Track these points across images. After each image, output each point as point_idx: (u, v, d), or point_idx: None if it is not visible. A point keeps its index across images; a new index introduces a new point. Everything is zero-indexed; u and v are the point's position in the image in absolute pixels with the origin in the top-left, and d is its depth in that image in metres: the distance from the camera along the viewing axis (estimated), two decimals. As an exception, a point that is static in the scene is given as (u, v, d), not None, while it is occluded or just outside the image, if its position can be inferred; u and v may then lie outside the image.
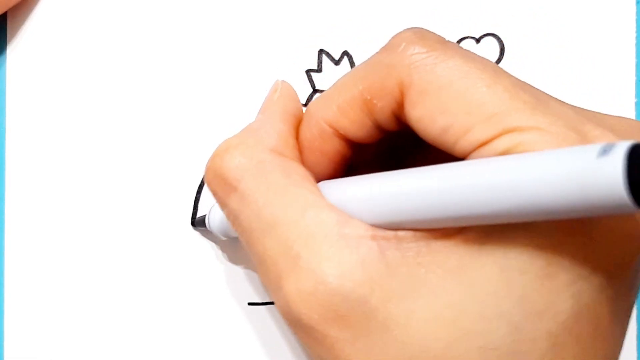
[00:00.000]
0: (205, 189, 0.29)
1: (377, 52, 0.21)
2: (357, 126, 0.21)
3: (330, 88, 0.22)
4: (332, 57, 0.29)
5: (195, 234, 0.29)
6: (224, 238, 0.27)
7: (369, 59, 0.21)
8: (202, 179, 0.29)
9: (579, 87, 0.29)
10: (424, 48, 0.19)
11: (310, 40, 0.30)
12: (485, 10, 0.29)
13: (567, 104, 0.19)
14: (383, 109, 0.20)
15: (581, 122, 0.18)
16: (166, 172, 0.29)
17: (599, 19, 0.29)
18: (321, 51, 0.30)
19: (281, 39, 0.30)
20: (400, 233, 0.19)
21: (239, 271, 0.29)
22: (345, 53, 0.30)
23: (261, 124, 0.22)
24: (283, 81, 0.24)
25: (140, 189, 0.29)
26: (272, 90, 0.24)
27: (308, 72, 0.29)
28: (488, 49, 0.29)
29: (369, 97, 0.20)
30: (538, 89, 0.19)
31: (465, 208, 0.17)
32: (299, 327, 0.19)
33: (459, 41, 0.29)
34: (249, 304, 0.29)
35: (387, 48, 0.20)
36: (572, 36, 0.29)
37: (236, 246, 0.29)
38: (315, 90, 0.29)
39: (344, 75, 0.22)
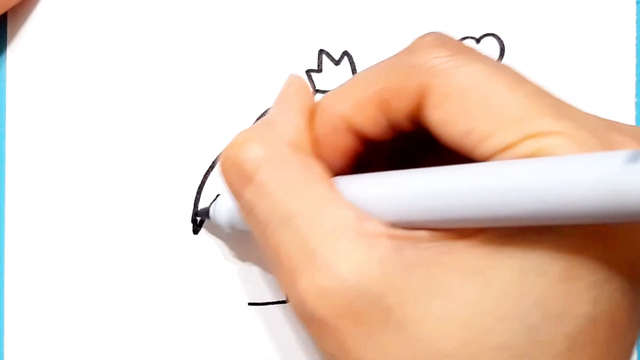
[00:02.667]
0: (206, 188, 0.29)
1: (397, 53, 0.21)
2: (371, 124, 0.21)
3: (345, 84, 0.22)
4: (332, 57, 0.29)
5: (194, 235, 0.29)
6: (228, 230, 0.27)
7: (388, 59, 0.21)
8: (202, 179, 0.29)
9: (579, 87, 0.29)
10: (446, 52, 0.19)
11: (310, 40, 0.30)
12: (485, 10, 0.29)
13: (589, 113, 0.19)
14: (400, 110, 0.20)
15: (605, 129, 0.18)
16: (166, 172, 0.29)
17: (599, 19, 0.29)
18: (321, 51, 0.30)
19: (281, 39, 0.30)
20: (418, 233, 0.19)
21: (239, 271, 0.29)
22: (345, 53, 0.30)
23: (278, 117, 0.22)
24: (297, 75, 0.24)
25: (141, 189, 0.29)
26: (286, 84, 0.24)
27: (308, 72, 0.29)
28: (488, 49, 0.29)
29: (386, 97, 0.20)
30: (558, 98, 0.19)
31: (488, 210, 0.17)
32: (312, 323, 0.19)
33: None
34: (249, 304, 0.29)
35: (409, 50, 0.20)
36: (572, 36, 0.29)
37: (237, 243, 0.29)
38: (315, 91, 0.29)
39: (361, 72, 0.22)
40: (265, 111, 0.29)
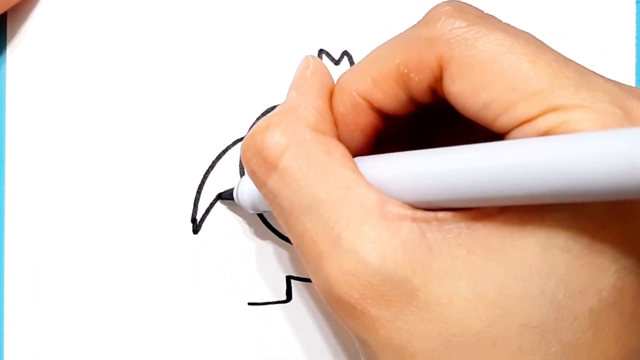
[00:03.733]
0: (206, 188, 0.29)
1: (414, 26, 0.21)
2: (391, 99, 0.21)
3: (363, 60, 0.22)
4: (332, 57, 0.30)
5: (194, 235, 0.29)
6: (251, 212, 0.27)
7: (405, 32, 0.21)
8: (202, 179, 0.29)
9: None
10: (464, 22, 0.19)
11: (310, 40, 0.30)
12: (484, 10, 0.29)
13: (609, 79, 0.19)
14: (420, 83, 0.20)
15: (625, 98, 0.18)
16: (166, 172, 0.29)
17: (599, 19, 0.29)
18: (321, 51, 0.30)
19: (281, 39, 0.30)
20: (440, 214, 0.19)
21: (239, 271, 0.29)
22: (345, 53, 0.30)
23: (299, 101, 0.22)
24: (313, 56, 0.24)
25: (141, 189, 0.29)
26: (303, 66, 0.24)
27: (308, 72, 0.29)
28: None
29: (405, 71, 0.20)
30: (580, 64, 0.19)
31: (510, 188, 0.17)
32: (339, 306, 0.20)
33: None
34: (249, 304, 0.29)
35: (426, 22, 0.20)
36: (572, 36, 0.29)
37: (237, 243, 0.29)
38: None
39: (378, 48, 0.21)
40: (266, 110, 0.29)
